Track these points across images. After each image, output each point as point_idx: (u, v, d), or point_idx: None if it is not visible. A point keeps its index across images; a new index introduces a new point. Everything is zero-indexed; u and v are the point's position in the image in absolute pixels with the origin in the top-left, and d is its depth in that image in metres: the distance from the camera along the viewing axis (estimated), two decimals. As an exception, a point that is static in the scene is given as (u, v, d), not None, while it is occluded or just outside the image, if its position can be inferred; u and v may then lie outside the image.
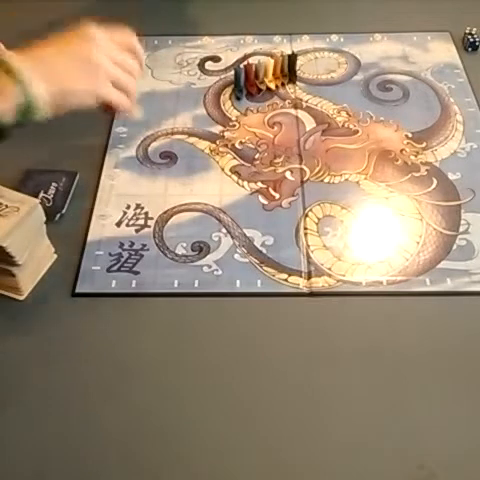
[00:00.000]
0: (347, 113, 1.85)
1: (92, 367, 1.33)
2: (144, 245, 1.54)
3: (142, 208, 1.62)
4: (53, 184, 1.63)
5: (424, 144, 1.76)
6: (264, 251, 1.52)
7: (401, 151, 1.74)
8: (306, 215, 1.59)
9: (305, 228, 1.56)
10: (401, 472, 1.19)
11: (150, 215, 1.60)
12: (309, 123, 1.82)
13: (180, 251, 1.52)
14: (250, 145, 1.76)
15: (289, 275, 1.47)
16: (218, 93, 1.92)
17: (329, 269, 1.48)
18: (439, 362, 1.33)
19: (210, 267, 1.49)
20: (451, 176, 1.67)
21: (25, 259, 1.38)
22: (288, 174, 1.69)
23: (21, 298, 1.44)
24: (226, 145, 1.76)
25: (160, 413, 1.27)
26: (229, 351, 1.35)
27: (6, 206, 1.36)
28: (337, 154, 1.74)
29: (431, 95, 1.89)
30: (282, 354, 1.35)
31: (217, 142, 1.77)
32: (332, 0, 2.20)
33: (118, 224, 1.58)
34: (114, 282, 1.47)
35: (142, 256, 1.52)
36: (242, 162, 1.72)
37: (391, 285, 1.46)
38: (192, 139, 1.78)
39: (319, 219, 1.58)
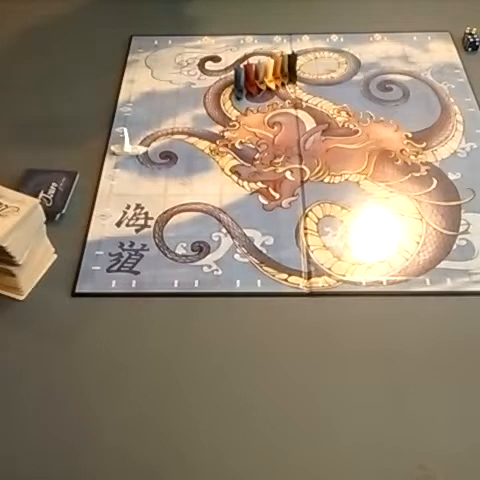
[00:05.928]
0: (347, 113, 1.85)
1: (92, 366, 1.33)
2: (144, 245, 1.54)
3: (142, 208, 1.62)
4: (53, 184, 1.63)
5: (424, 144, 1.76)
6: (264, 251, 1.52)
7: (401, 151, 1.74)
8: (306, 215, 1.59)
9: (305, 228, 1.56)
10: (401, 472, 1.19)
11: (150, 215, 1.60)
12: (309, 123, 1.82)
13: (180, 251, 1.52)
14: (250, 145, 1.76)
15: (289, 275, 1.47)
16: (218, 93, 1.92)
17: (329, 269, 1.48)
18: (439, 362, 1.33)
19: (210, 267, 1.49)
20: (451, 176, 1.67)
21: (25, 259, 1.38)
22: (288, 174, 1.69)
23: (21, 298, 1.44)
24: (226, 145, 1.77)
25: (160, 412, 1.27)
26: (229, 350, 1.35)
27: (6, 206, 1.36)
28: (337, 154, 1.74)
29: (431, 95, 1.89)
30: (282, 354, 1.35)
31: (217, 142, 1.77)
32: (332, 0, 2.20)
33: (118, 224, 1.59)
34: (114, 282, 1.47)
35: (142, 256, 1.52)
36: (242, 162, 1.72)
37: (391, 285, 1.46)
38: (192, 139, 1.78)
39: (319, 219, 1.58)
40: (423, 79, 1.94)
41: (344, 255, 1.51)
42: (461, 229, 1.56)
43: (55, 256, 1.51)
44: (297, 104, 1.87)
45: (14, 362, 1.35)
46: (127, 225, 1.58)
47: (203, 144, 1.77)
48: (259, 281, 1.46)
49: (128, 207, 1.62)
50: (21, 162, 1.68)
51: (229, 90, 1.92)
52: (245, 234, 1.55)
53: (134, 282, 1.47)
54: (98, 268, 1.49)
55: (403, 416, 1.25)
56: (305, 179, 1.67)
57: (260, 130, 1.80)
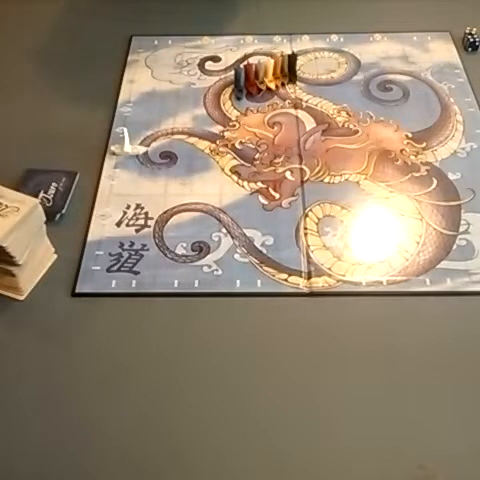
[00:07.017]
0: (347, 113, 1.85)
1: (92, 366, 1.33)
2: (144, 245, 1.54)
3: (142, 208, 1.62)
4: (53, 184, 1.63)
5: (424, 144, 1.76)
6: (264, 251, 1.52)
7: (401, 151, 1.74)
8: (306, 215, 1.59)
9: (305, 228, 1.56)
10: (401, 472, 1.19)
11: (150, 215, 1.60)
12: (309, 123, 1.82)
13: (180, 251, 1.52)
14: (250, 145, 1.76)
15: (289, 275, 1.47)
16: (218, 93, 1.92)
17: (329, 269, 1.48)
18: (439, 362, 1.33)
19: (210, 267, 1.49)
20: (451, 176, 1.67)
21: (25, 259, 1.38)
22: (288, 174, 1.69)
23: (21, 298, 1.44)
24: (226, 145, 1.76)
25: (160, 412, 1.27)
26: (229, 350, 1.35)
27: (6, 206, 1.36)
28: (337, 154, 1.74)
29: (431, 95, 1.89)
30: (282, 354, 1.35)
31: (217, 142, 1.77)
32: (332, 0, 2.20)
33: (118, 224, 1.58)
34: (114, 282, 1.47)
35: (142, 256, 1.52)
36: (242, 162, 1.72)
37: (391, 285, 1.46)
38: (192, 139, 1.78)
39: (319, 219, 1.58)
40: (423, 79, 1.94)
41: (344, 255, 1.51)
42: (461, 229, 1.55)
43: (55, 256, 1.51)
44: (297, 104, 1.87)
45: (14, 362, 1.35)
46: (127, 225, 1.58)
47: (203, 144, 1.77)
48: (259, 281, 1.46)
49: (128, 207, 1.62)
50: (21, 162, 1.68)
51: (229, 90, 1.92)
52: (245, 234, 1.55)
53: (134, 282, 1.47)
54: (98, 268, 1.49)
55: (403, 416, 1.26)
56: (305, 179, 1.67)
57: (260, 130, 1.80)
